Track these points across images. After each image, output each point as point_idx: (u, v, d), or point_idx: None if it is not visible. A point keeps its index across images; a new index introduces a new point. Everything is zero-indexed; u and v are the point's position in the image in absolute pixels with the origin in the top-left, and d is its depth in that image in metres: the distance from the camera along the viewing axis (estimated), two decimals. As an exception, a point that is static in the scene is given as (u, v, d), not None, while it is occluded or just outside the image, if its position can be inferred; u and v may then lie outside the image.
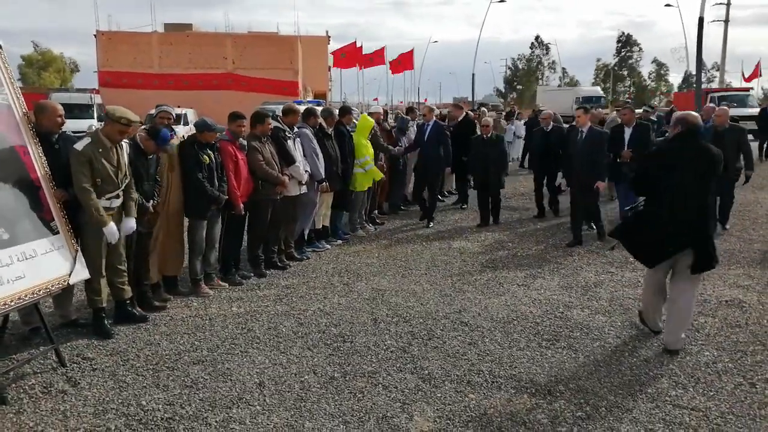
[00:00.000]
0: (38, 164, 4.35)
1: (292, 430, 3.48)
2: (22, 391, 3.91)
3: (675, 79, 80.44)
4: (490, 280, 6.45)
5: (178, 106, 20.82)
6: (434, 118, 9.45)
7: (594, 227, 8.37)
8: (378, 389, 3.96)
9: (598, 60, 79.10)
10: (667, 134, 7.53)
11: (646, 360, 4.46)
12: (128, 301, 5.09)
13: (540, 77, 79.68)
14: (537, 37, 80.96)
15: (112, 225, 4.64)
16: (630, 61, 78.19)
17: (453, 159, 9.51)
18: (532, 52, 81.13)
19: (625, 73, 77.98)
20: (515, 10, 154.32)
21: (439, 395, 3.88)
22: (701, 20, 19.81)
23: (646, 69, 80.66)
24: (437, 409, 3.71)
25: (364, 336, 4.87)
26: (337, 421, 3.57)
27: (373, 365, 4.32)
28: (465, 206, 10.78)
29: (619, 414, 3.68)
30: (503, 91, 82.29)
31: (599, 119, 11.14)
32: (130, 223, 4.91)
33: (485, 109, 16.84)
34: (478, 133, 10.06)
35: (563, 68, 79.05)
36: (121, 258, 4.94)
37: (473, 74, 42.90)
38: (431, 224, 9.23)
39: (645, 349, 4.66)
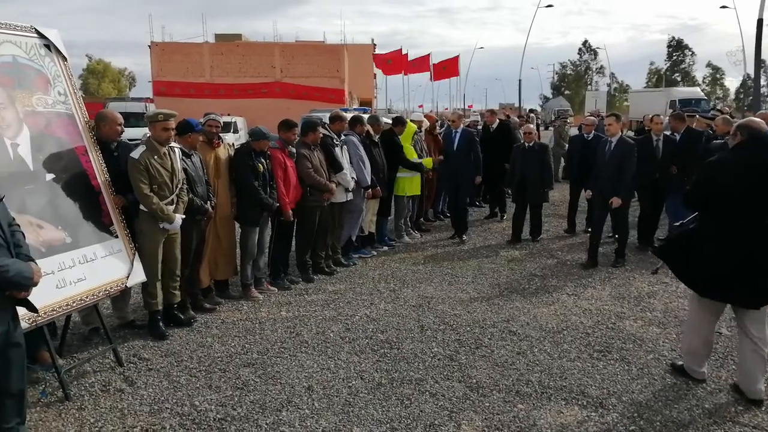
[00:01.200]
0: (98, 171, 4.54)
1: (340, 434, 3.51)
2: (83, 388, 4.07)
3: (731, 83, 77.79)
4: (538, 289, 6.35)
5: (228, 114, 21.33)
6: (462, 125, 8.95)
7: (616, 240, 7.49)
8: (425, 397, 3.95)
9: (652, 64, 77.13)
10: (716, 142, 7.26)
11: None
12: (176, 305, 5.23)
13: (588, 82, 78.23)
14: (585, 42, 79.72)
15: (176, 217, 4.83)
16: (683, 66, 75.94)
17: (486, 168, 9.13)
18: (580, 56, 79.81)
19: (678, 77, 75.76)
20: (562, 14, 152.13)
21: (487, 404, 3.85)
22: (760, 22, 19.12)
23: (699, 73, 78.27)
24: (485, 419, 3.67)
25: (410, 343, 4.87)
26: (384, 427, 3.58)
27: (420, 372, 4.31)
28: (503, 217, 10.24)
29: (674, 429, 3.57)
30: (550, 97, 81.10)
31: (704, 129, 8.65)
32: (178, 220, 5.05)
33: (533, 115, 16.44)
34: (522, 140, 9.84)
35: (612, 73, 77.47)
36: (178, 263, 5.08)
37: (519, 80, 42.53)
38: (465, 237, 8.64)
39: (702, 362, 4.50)
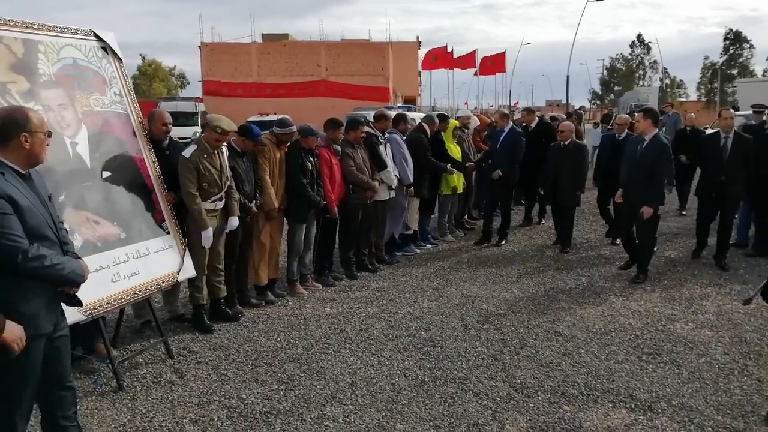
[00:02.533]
0: (151, 169, 4.68)
1: (383, 430, 3.53)
2: (135, 379, 4.22)
3: (795, 77, 74.15)
4: (585, 289, 6.23)
5: (274, 113, 21.65)
6: (510, 124, 8.45)
7: (636, 261, 6.73)
8: (469, 396, 3.93)
9: (706, 58, 74.36)
10: None
11: (758, 380, 4.15)
12: (222, 300, 5.35)
13: (641, 77, 76.10)
14: (639, 36, 77.49)
15: (209, 230, 4.89)
16: (740, 60, 72.94)
17: (525, 170, 8.67)
18: (632, 51, 77.68)
19: (736, 72, 72.84)
20: (612, 7, 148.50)
21: (531, 405, 3.80)
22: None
23: (759, 67, 74.97)
24: (530, 419, 3.64)
25: (454, 341, 4.85)
26: (428, 425, 3.58)
27: (464, 371, 4.30)
28: (542, 221, 9.70)
29: (728, 436, 3.46)
30: (599, 93, 79.30)
31: None
32: (234, 222, 5.17)
33: (582, 112, 15.70)
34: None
35: (665, 68, 75.18)
36: (220, 258, 5.21)
37: (567, 76, 41.64)
38: (503, 242, 8.29)
39: (757, 368, 4.34)
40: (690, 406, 3.78)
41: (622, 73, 77.70)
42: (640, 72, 77.23)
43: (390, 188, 6.92)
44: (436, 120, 7.97)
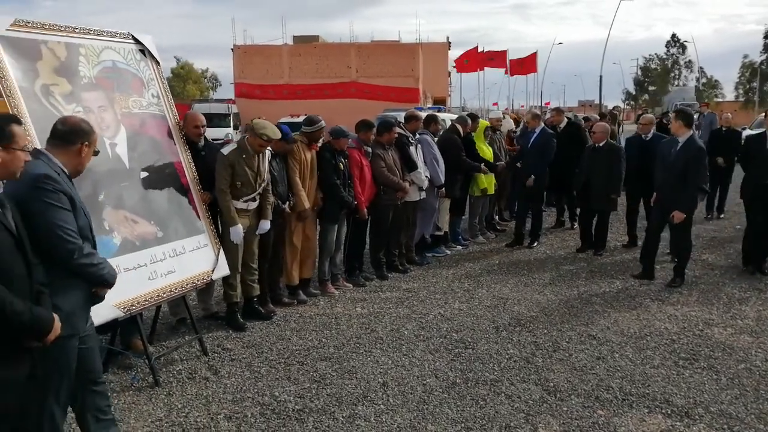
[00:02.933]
0: (187, 169, 4.77)
1: (414, 431, 3.53)
2: (171, 375, 4.30)
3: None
4: (620, 292, 6.13)
5: (305, 115, 21.85)
6: (542, 125, 8.36)
7: (676, 261, 6.60)
8: (501, 398, 3.91)
9: (745, 57, 72.24)
10: None
11: (801, 387, 4.03)
12: (256, 299, 5.41)
13: (676, 77, 74.52)
14: (673, 35, 75.84)
15: (239, 227, 4.95)
16: (783, 58, 70.72)
17: (554, 172, 8.28)
18: (667, 50, 76.09)
19: (776, 70, 70.72)
20: (646, 6, 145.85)
21: (565, 409, 3.76)
22: None
23: (803, 65, 72.61)
24: (563, 423, 3.60)
25: (485, 343, 4.82)
26: (459, 426, 3.57)
27: (496, 373, 4.27)
28: (573, 226, 9.19)
29: (769, 444, 3.37)
30: (633, 93, 77.91)
31: None
32: (265, 225, 5.23)
33: (616, 113, 15.19)
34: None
35: (701, 68, 73.38)
36: (254, 257, 5.27)
37: (600, 76, 40.95)
38: (535, 244, 8.19)
39: (800, 375, 4.22)
40: (729, 414, 3.69)
41: (656, 73, 76.17)
42: (675, 72, 75.59)
43: (420, 189, 6.92)
44: (469, 121, 7.94)
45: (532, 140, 8.13)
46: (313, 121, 5.83)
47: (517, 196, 8.87)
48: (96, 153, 3.01)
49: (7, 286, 2.24)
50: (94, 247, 2.96)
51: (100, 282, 2.90)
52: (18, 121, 2.49)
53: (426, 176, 6.95)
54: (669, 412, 3.71)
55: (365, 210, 6.29)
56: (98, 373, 3.07)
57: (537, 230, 8.36)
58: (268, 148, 5.20)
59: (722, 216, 10.00)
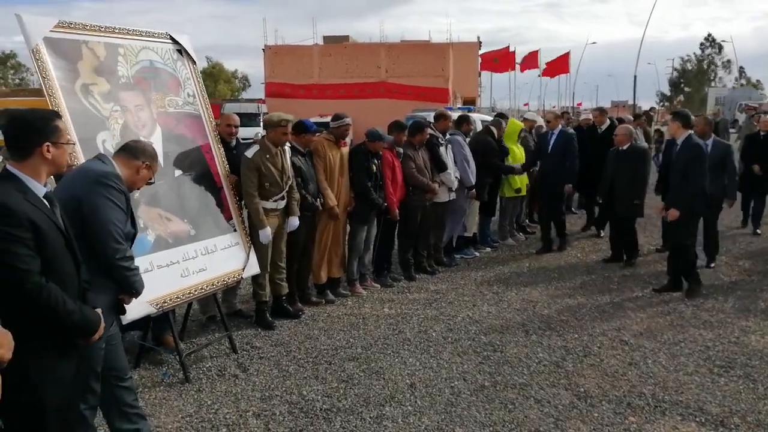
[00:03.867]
0: (220, 168, 4.83)
1: (442, 434, 3.52)
2: (201, 372, 4.36)
3: None
4: (653, 297, 6.01)
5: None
6: (560, 125, 8.02)
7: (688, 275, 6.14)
8: (530, 402, 3.87)
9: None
10: None
11: (844, 399, 3.90)
12: (284, 297, 5.45)
13: (712, 78, 72.81)
14: (708, 36, 74.07)
15: (267, 229, 4.99)
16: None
17: (588, 174, 8.00)
18: (703, 51, 74.36)
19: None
20: (683, 4, 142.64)
21: (596, 415, 3.71)
22: None
23: None
24: (594, 429, 3.54)
25: (514, 347, 4.78)
26: (487, 430, 3.55)
27: (525, 377, 4.23)
28: (601, 233, 8.75)
29: (809, 457, 3.27)
30: (668, 94, 76.33)
31: None
32: (294, 222, 5.27)
33: (652, 114, 14.58)
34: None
35: (740, 67, 71.53)
36: (282, 256, 5.32)
37: (635, 76, 40.20)
38: (566, 246, 7.98)
39: (842, 386, 4.08)
40: (766, 424, 3.59)
41: (692, 73, 74.50)
42: (711, 73, 73.83)
43: (450, 190, 6.89)
44: (504, 125, 7.88)
45: (552, 142, 7.81)
46: (338, 117, 5.89)
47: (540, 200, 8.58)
48: (150, 182, 3.22)
49: (58, 284, 2.29)
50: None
51: (130, 288, 2.99)
52: (59, 115, 2.55)
53: (456, 177, 6.92)
54: (703, 421, 3.63)
55: (397, 211, 6.29)
56: (124, 371, 3.16)
57: (562, 234, 8.07)
58: (288, 144, 5.24)
59: (759, 232, 8.84)
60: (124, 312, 3.17)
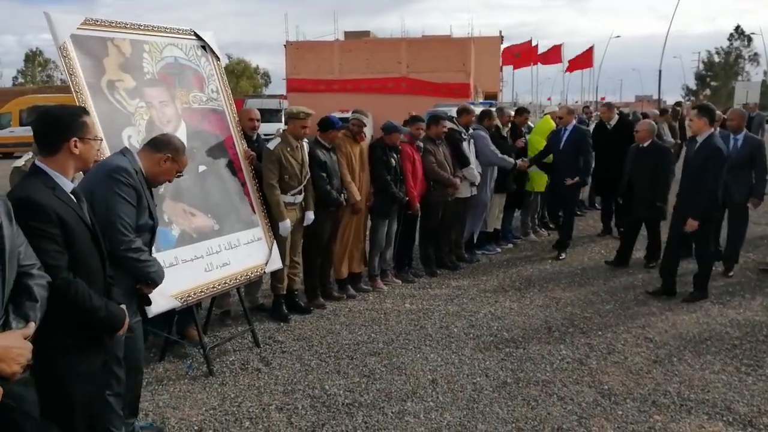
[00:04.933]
0: (244, 163, 4.86)
1: (464, 429, 3.51)
2: (224, 365, 4.40)
3: None
4: (678, 295, 5.90)
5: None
6: (574, 121, 7.61)
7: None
8: (553, 399, 3.84)
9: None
10: None
11: None
12: (296, 292, 5.50)
13: (739, 72, 71.23)
14: (737, 28, 72.35)
15: (287, 221, 5.03)
16: None
17: (601, 172, 7.85)
18: (731, 44, 72.75)
19: None
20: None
21: (620, 413, 3.67)
22: None
23: None
24: (618, 427, 3.51)
25: (537, 344, 4.75)
26: (510, 426, 3.53)
27: (548, 374, 4.20)
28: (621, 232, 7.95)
29: (840, 459, 3.20)
30: (694, 88, 74.92)
31: None
32: (311, 216, 5.30)
33: (679, 108, 14.07)
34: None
35: (769, 60, 69.70)
36: (297, 251, 5.37)
37: (660, 70, 39.58)
38: (563, 256, 7.42)
39: None
40: (796, 424, 3.52)
41: (719, 66, 72.93)
42: (738, 66, 72.20)
43: (472, 184, 6.85)
44: (494, 114, 7.52)
45: (564, 139, 7.41)
46: (355, 111, 5.93)
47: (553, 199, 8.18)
48: (179, 175, 3.25)
49: (85, 280, 2.32)
50: (150, 249, 3.14)
51: (145, 278, 3.03)
52: (87, 111, 2.58)
53: (479, 172, 6.88)
54: (730, 420, 3.57)
55: (417, 205, 6.27)
56: (140, 361, 3.27)
57: (565, 238, 7.61)
58: (306, 140, 5.29)
59: None
60: (148, 303, 3.21)
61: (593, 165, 7.67)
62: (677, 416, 3.63)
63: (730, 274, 6.52)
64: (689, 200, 5.56)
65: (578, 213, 10.15)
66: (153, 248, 3.78)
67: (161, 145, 3.13)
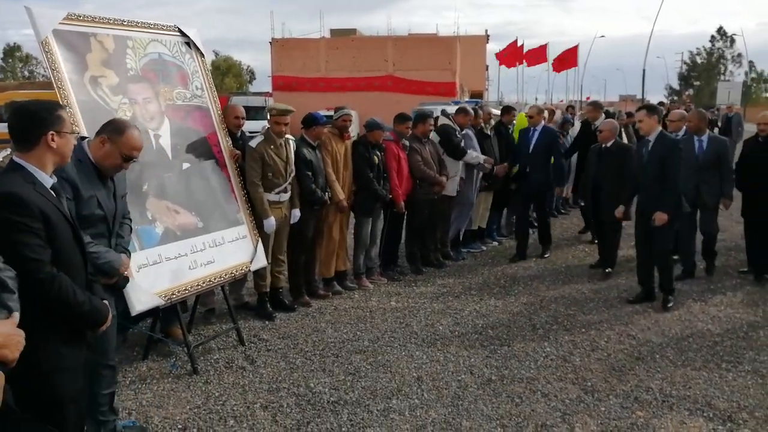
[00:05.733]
0: (228, 161, 4.83)
1: (449, 426, 3.52)
2: (209, 364, 4.38)
3: None
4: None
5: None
6: (543, 122, 7.37)
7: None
8: (537, 396, 3.87)
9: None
10: None
11: None
12: (280, 290, 5.48)
13: (722, 72, 72.11)
14: (719, 29, 73.23)
15: (272, 219, 5.02)
16: None
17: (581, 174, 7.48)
18: (713, 45, 73.62)
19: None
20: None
21: (603, 409, 3.70)
22: None
23: None
24: (601, 423, 3.54)
25: (521, 341, 4.78)
26: (494, 423, 3.55)
27: (532, 371, 4.23)
28: (595, 240, 7.59)
29: (817, 453, 3.25)
30: (677, 88, 75.70)
31: None
32: (297, 213, 5.29)
33: (662, 108, 13.79)
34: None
35: (750, 61, 70.74)
36: (282, 249, 5.36)
37: (644, 70, 39.95)
38: (547, 254, 7.39)
39: None
40: (775, 420, 3.58)
41: (702, 67, 73.77)
42: (721, 66, 73.11)
43: (461, 179, 6.85)
44: (471, 112, 7.29)
45: (534, 140, 7.20)
46: (338, 109, 5.92)
47: (518, 204, 7.75)
48: (133, 160, 3.16)
49: (67, 274, 2.30)
50: (111, 238, 3.12)
51: (98, 271, 2.98)
52: (63, 106, 2.55)
53: (479, 157, 6.93)
54: (711, 416, 3.62)
55: (402, 203, 6.28)
56: (110, 357, 3.23)
57: (547, 238, 7.54)
58: (290, 136, 5.27)
59: None
60: (123, 285, 3.23)
61: (567, 167, 7.62)
62: (659, 412, 3.67)
63: (709, 273, 6.58)
64: (654, 198, 5.46)
65: (562, 211, 10.28)
66: (136, 246, 3.77)
67: (101, 128, 3.07)
